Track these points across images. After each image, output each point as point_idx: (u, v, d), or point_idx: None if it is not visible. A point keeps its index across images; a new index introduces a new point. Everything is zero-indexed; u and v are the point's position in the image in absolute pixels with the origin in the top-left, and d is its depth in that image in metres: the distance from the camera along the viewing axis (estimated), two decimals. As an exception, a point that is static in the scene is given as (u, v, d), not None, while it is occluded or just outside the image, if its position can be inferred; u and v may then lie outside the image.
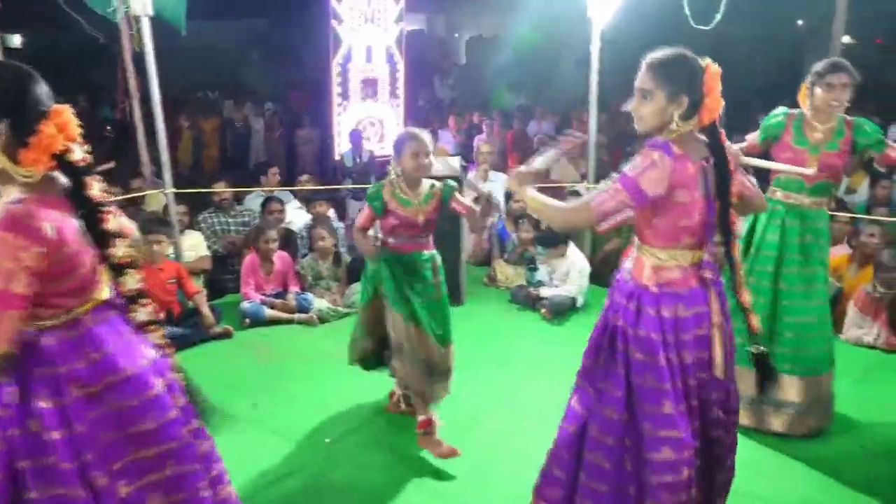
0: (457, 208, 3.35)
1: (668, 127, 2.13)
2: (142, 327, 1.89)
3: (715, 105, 2.12)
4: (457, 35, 17.60)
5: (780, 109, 3.50)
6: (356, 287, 5.29)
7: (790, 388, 3.46)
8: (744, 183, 2.36)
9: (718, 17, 4.56)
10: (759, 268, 3.48)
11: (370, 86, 8.85)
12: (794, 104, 3.47)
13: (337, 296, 5.26)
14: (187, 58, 12.97)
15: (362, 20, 8.52)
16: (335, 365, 4.15)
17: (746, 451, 2.86)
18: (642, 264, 2.23)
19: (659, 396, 2.15)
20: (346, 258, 5.49)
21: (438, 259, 3.41)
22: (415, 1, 14.96)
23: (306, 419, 3.68)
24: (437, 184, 3.34)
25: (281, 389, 4.06)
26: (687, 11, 4.49)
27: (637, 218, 2.20)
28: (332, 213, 6.14)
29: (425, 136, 3.25)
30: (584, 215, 2.13)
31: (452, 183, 3.38)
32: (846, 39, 11.44)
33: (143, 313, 1.85)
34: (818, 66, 3.35)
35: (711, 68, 2.12)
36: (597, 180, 6.38)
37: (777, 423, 3.51)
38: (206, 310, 4.78)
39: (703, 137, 2.20)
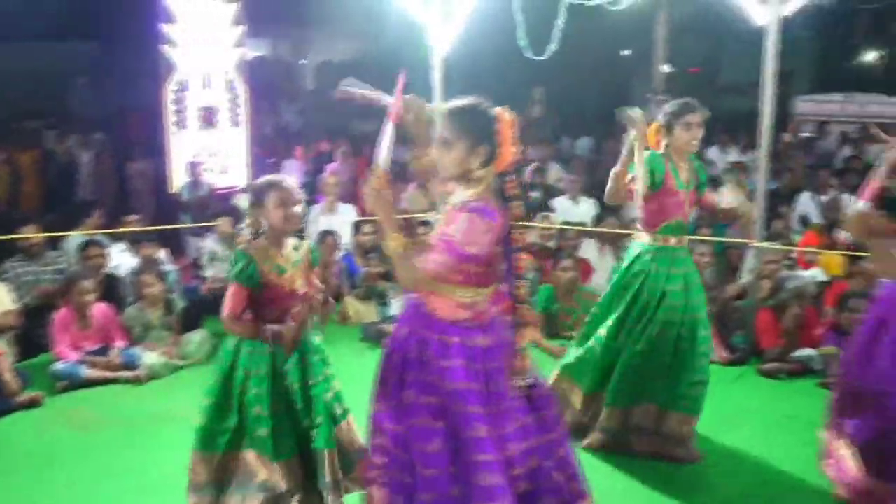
0: (309, 286, 2.87)
1: (471, 175, 2.21)
2: None
3: (509, 153, 2.23)
4: (304, 61, 17.25)
5: (651, 153, 3.41)
6: (192, 336, 4.90)
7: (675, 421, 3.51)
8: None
9: (553, 47, 4.67)
10: (667, 317, 3.42)
11: (209, 114, 8.35)
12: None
13: (170, 347, 4.79)
14: (4, 84, 11.72)
15: (197, 45, 8.03)
16: (168, 428, 3.75)
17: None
18: (445, 301, 2.27)
19: (470, 420, 2.22)
20: (179, 304, 5.04)
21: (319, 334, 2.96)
22: (258, 25, 14.48)
23: (133, 497, 3.26)
24: (304, 243, 2.88)
25: (102, 462, 3.57)
26: (522, 42, 4.57)
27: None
28: (162, 254, 5.64)
29: (290, 181, 2.80)
30: (419, 283, 2.22)
31: (317, 253, 2.97)
32: (666, 68, 12.44)
33: None
34: (672, 107, 3.38)
35: (505, 117, 2.22)
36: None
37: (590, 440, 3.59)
38: (8, 375, 4.16)
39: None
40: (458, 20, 5.11)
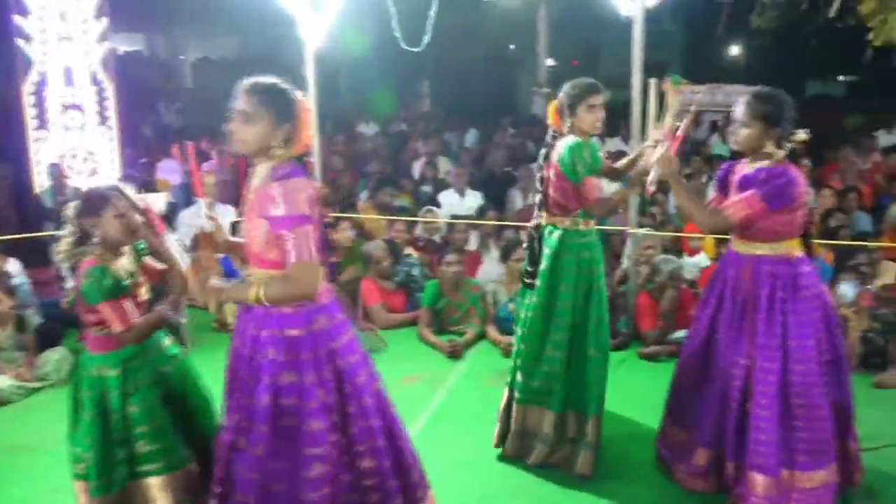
0: (151, 269, 2.69)
1: (271, 152, 2.24)
2: None
3: (307, 137, 2.31)
4: (182, 57, 16.48)
5: (581, 141, 3.26)
6: (49, 355, 4.50)
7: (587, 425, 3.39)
8: None
9: (427, 39, 4.60)
10: (599, 299, 3.33)
11: (74, 113, 7.79)
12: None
13: (23, 368, 4.38)
14: None
15: (56, 39, 7.46)
16: (24, 459, 3.42)
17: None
18: None
19: (307, 415, 2.24)
20: (34, 321, 4.62)
21: None
22: (130, 19, 13.61)
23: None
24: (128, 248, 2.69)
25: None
26: (397, 34, 4.47)
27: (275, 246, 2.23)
28: (11, 265, 5.14)
29: (126, 188, 2.64)
30: (315, 272, 2.19)
31: (141, 244, 2.72)
32: (550, 62, 12.71)
33: None
34: (572, 88, 3.23)
35: (305, 103, 2.31)
36: (329, 205, 6.18)
37: (583, 464, 3.37)
38: None
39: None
40: (329, 12, 4.93)
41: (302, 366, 2.25)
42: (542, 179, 3.40)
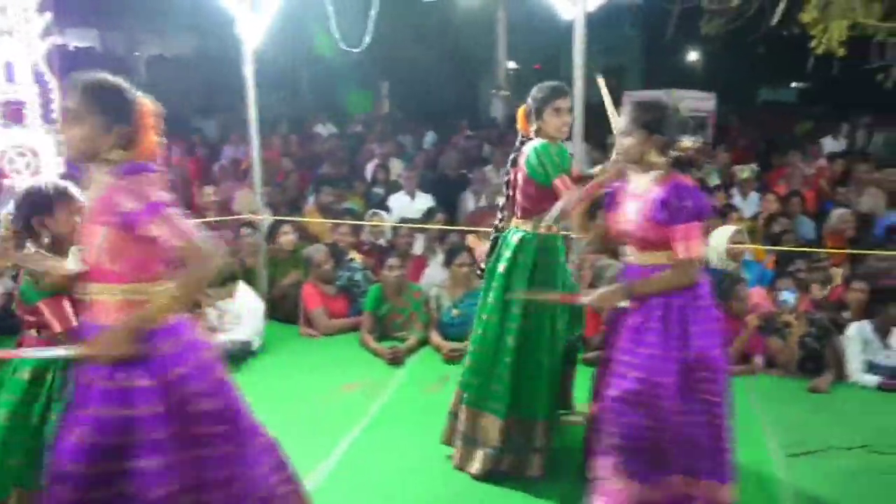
0: None
1: (104, 157, 2.07)
2: None
3: (152, 144, 2.14)
4: (136, 54, 16.14)
5: (548, 144, 3.21)
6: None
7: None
8: None
9: (367, 39, 4.53)
10: (555, 306, 3.27)
11: (15, 110, 7.55)
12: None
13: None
14: None
15: (-4, 34, 7.21)
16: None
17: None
18: (125, 305, 2.07)
19: (137, 454, 2.03)
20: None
21: None
22: (83, 14, 13.26)
23: None
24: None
25: None
26: (336, 34, 4.40)
27: (121, 259, 2.05)
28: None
29: (74, 188, 2.57)
30: (203, 243, 2.04)
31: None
32: (512, 65, 12.71)
33: None
34: (538, 91, 3.21)
35: (146, 106, 2.14)
36: (275, 210, 6.08)
37: (535, 466, 3.33)
38: None
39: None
40: (268, 12, 4.83)
41: (134, 396, 2.03)
42: (508, 183, 3.39)
